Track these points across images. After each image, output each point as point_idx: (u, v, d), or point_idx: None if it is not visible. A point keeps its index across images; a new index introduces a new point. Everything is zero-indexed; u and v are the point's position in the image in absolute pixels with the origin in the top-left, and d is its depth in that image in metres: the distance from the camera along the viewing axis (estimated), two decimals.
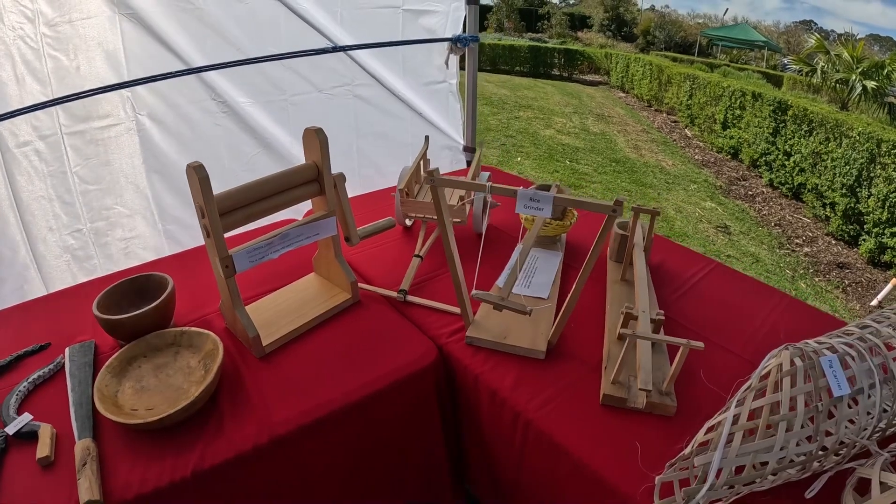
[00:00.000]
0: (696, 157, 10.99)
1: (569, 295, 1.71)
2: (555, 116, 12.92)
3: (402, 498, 1.93)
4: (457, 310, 1.94)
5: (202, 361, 1.72)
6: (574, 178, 8.56)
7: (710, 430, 1.28)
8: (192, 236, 2.98)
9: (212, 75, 2.84)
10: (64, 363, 1.87)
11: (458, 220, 2.30)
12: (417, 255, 2.16)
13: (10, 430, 1.64)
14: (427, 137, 2.74)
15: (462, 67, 3.72)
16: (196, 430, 1.56)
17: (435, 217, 2.31)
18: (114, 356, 1.73)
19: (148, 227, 2.97)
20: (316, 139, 1.79)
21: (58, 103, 2.56)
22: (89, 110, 2.67)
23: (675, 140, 12.13)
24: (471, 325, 1.85)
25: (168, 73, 2.72)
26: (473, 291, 1.67)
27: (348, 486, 1.77)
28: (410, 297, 2.02)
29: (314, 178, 1.84)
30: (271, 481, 1.60)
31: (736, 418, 1.24)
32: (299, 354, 1.81)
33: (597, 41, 30.72)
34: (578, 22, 37.62)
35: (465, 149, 3.83)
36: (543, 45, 23.25)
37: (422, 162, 2.59)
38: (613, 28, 36.24)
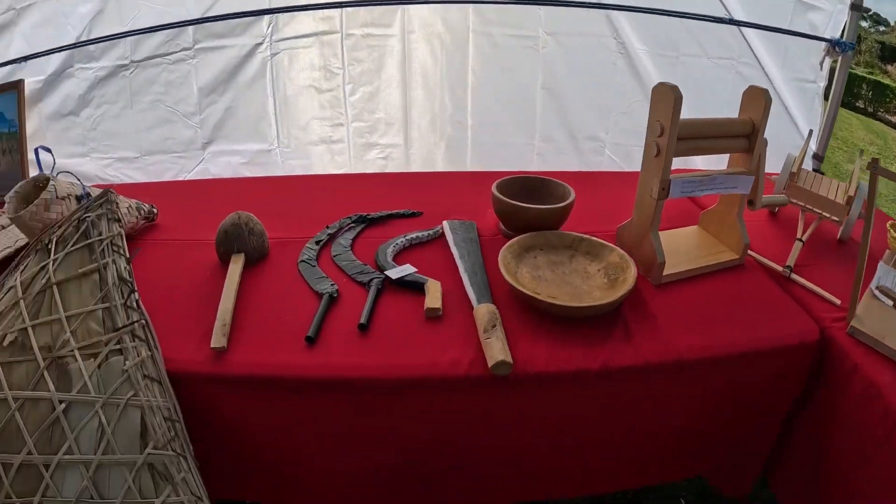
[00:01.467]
0: None
1: None
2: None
3: (695, 469, 1.97)
4: (835, 300, 1.89)
5: (602, 270, 1.80)
6: None
7: None
8: (559, 161, 3.10)
9: (619, 16, 2.91)
10: (442, 233, 2.02)
11: (837, 218, 2.24)
12: (799, 240, 2.13)
13: (393, 274, 1.78)
14: (811, 132, 2.69)
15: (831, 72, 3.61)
16: (602, 330, 1.63)
17: (815, 209, 2.26)
18: (514, 240, 1.84)
19: (524, 139, 3.13)
20: (761, 99, 1.81)
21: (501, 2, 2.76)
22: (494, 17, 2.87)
23: None
24: (854, 317, 1.81)
25: (577, 2, 2.82)
26: (877, 285, 1.65)
27: (672, 434, 1.80)
28: (794, 276, 2.00)
29: (746, 134, 1.87)
30: (651, 398, 1.66)
31: None
32: (688, 294, 1.84)
33: None
34: (889, 53, 34.75)
35: (814, 156, 3.71)
36: (850, 70, 21.87)
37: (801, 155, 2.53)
38: None
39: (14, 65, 2.99)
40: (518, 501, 1.90)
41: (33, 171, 2.56)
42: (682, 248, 1.98)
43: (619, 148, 3.11)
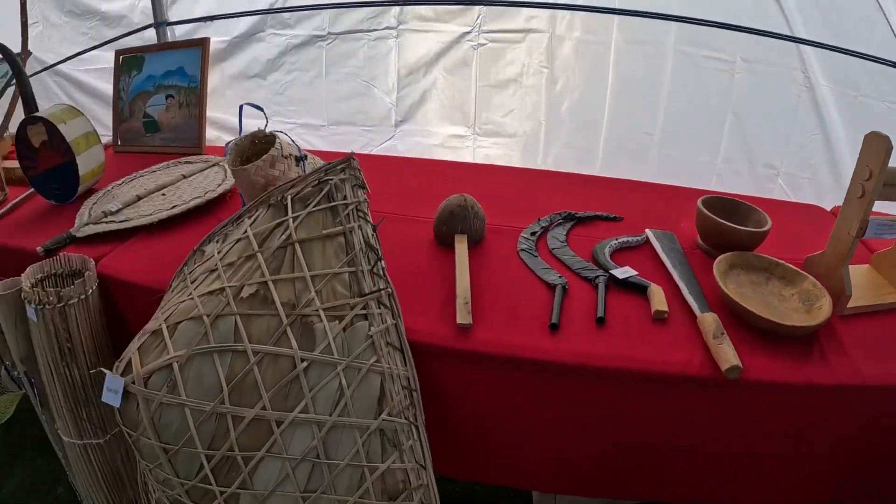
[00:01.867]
0: None
1: None
2: None
3: (837, 494, 1.98)
4: None
5: (796, 295, 1.98)
6: None
7: None
8: (735, 183, 3.20)
9: (808, 51, 2.99)
10: (647, 241, 2.21)
11: None
12: None
13: (619, 274, 1.96)
14: None
15: None
16: (802, 350, 1.76)
17: None
18: (722, 257, 2.02)
19: (707, 158, 3.28)
20: None
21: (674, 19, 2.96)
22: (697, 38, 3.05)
23: None
24: None
25: (770, 33, 2.97)
26: None
27: (833, 456, 1.85)
28: None
29: None
30: (833, 418, 1.74)
31: None
32: (866, 327, 1.93)
33: None
34: None
35: None
36: None
37: None
38: None
39: (198, 23, 3.29)
40: (691, 501, 2.05)
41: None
42: (859, 285, 2.08)
43: (791, 178, 3.17)
